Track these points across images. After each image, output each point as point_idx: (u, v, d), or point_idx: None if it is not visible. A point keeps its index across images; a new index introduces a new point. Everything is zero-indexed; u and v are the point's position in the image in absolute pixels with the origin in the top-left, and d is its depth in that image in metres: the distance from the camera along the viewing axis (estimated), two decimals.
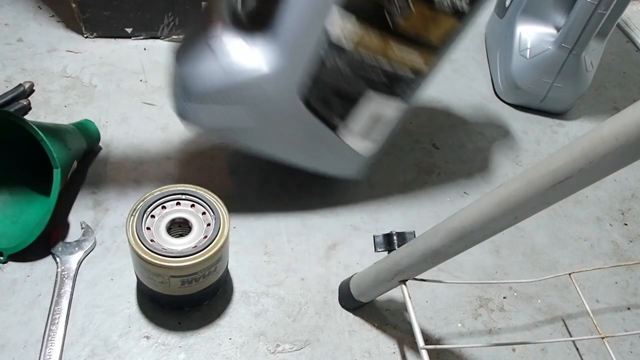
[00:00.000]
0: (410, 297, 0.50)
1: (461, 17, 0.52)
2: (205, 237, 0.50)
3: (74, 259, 0.57)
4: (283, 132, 0.57)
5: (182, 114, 0.56)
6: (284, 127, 0.57)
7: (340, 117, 0.57)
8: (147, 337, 0.53)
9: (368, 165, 0.65)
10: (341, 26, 0.49)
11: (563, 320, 0.61)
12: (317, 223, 0.66)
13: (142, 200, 0.51)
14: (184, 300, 0.54)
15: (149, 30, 0.83)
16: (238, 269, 0.60)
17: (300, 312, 0.57)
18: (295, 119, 0.56)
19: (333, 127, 0.58)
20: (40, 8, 0.87)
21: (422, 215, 0.69)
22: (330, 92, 0.54)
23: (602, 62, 0.87)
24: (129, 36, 0.84)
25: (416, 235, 0.48)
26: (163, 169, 0.68)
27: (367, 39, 0.51)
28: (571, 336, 0.60)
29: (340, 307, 0.58)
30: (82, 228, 0.60)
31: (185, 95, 0.54)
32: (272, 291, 0.59)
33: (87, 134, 0.65)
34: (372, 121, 0.58)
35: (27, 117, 0.70)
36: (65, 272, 0.56)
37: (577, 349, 0.59)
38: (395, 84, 0.55)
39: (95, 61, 0.80)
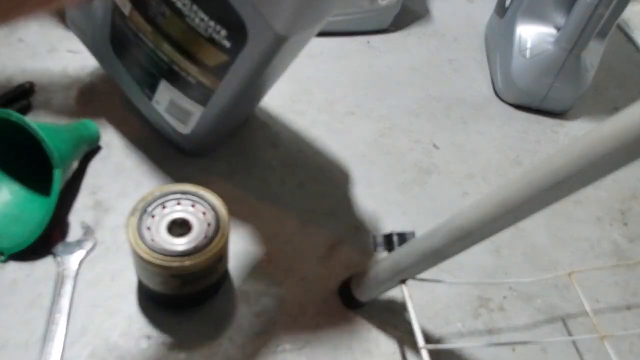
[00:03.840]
0: (410, 297, 0.50)
1: (223, 49, 0.53)
2: (206, 237, 0.50)
3: (74, 259, 0.57)
4: None
5: None
6: None
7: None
8: (148, 337, 0.53)
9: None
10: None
11: (563, 320, 0.61)
12: (317, 223, 0.66)
13: (143, 200, 0.51)
14: (184, 300, 0.54)
15: None
16: (238, 269, 0.60)
17: (300, 312, 0.57)
18: None
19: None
20: None
21: (422, 215, 0.69)
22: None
23: (602, 62, 0.87)
24: None
25: (416, 235, 0.48)
26: (163, 169, 0.68)
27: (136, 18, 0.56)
28: (571, 336, 0.60)
29: (340, 307, 0.58)
30: (82, 228, 0.60)
31: None
32: (272, 291, 0.59)
33: (87, 134, 0.65)
34: (172, 105, 0.61)
35: (27, 117, 0.70)
36: (66, 272, 0.56)
37: (577, 349, 0.59)
38: (176, 79, 0.58)
39: (95, 61, 0.80)
